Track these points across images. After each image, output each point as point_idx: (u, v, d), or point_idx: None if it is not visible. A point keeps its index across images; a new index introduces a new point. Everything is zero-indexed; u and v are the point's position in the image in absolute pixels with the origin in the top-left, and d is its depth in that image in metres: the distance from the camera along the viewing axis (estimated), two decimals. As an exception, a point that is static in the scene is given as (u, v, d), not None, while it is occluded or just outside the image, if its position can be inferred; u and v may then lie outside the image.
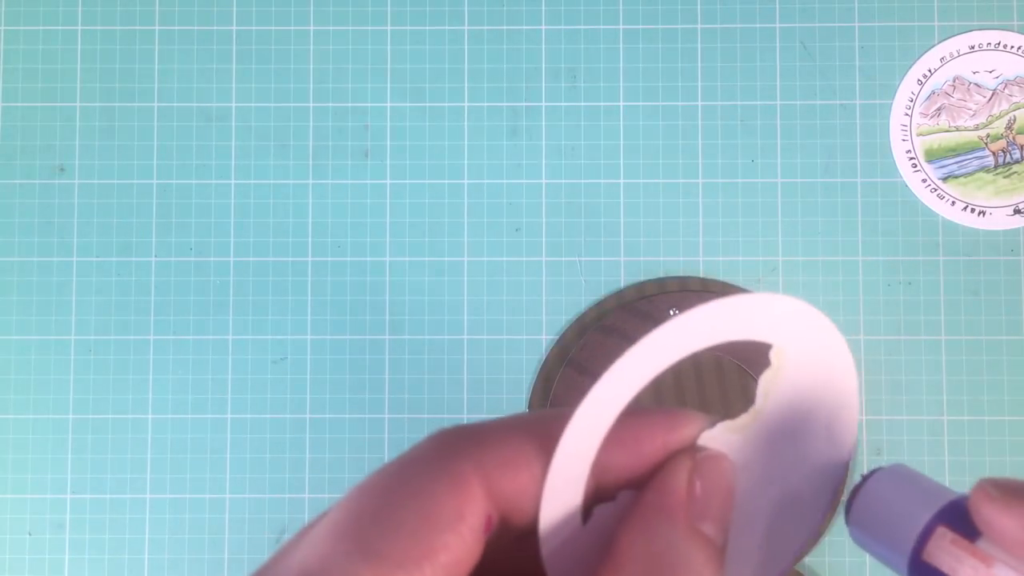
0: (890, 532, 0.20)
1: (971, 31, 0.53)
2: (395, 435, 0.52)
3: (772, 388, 0.21)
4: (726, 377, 0.51)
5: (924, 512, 0.20)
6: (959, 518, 0.19)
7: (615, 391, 0.19)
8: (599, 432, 0.19)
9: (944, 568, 0.19)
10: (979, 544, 0.19)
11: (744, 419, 0.21)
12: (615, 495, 0.20)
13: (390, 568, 0.18)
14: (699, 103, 0.53)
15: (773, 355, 0.21)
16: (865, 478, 0.21)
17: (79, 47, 0.54)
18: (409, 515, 0.19)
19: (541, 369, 0.51)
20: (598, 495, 0.20)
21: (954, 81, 0.52)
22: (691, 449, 0.20)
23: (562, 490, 0.19)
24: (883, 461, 0.51)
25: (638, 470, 0.20)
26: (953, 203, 0.52)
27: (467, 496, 0.19)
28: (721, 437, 0.20)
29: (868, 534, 0.21)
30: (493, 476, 0.19)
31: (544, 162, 0.53)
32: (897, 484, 0.21)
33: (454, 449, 0.20)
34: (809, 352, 0.21)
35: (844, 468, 0.22)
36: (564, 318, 0.52)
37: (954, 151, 0.52)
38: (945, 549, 0.19)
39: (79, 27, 0.54)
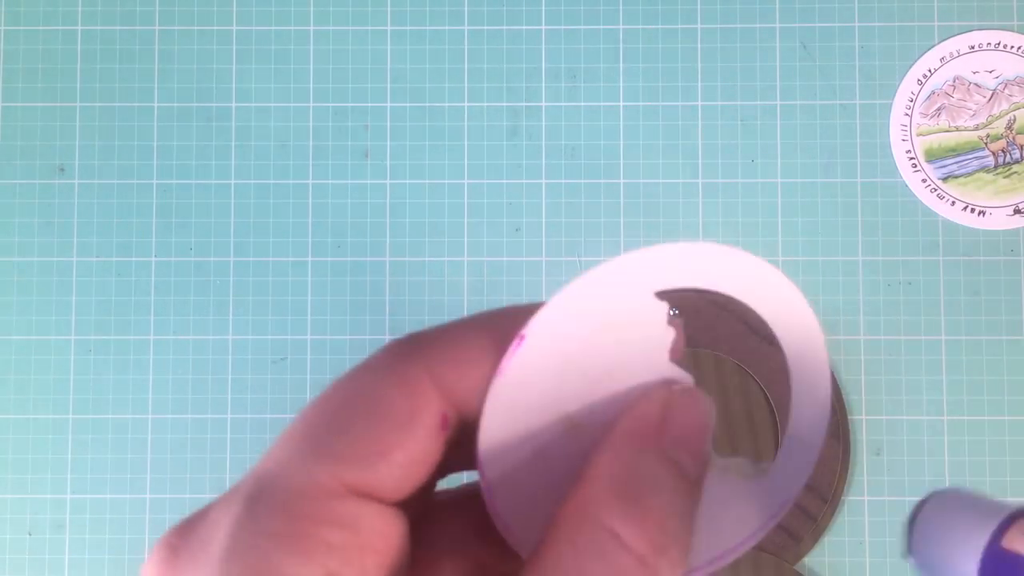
0: (961, 535, 0.20)
1: (971, 31, 0.53)
2: (395, 435, 0.52)
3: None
4: (726, 377, 0.51)
5: (997, 514, 0.20)
6: None
7: (568, 312, 0.19)
8: (551, 352, 0.19)
9: None
10: None
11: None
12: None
13: (344, 467, 0.19)
14: (699, 103, 0.53)
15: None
16: (922, 501, 0.21)
17: (79, 47, 0.54)
18: (361, 418, 0.19)
19: (541, 369, 0.51)
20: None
21: (954, 81, 0.52)
22: (667, 382, 0.20)
23: (509, 406, 0.19)
24: (883, 461, 0.51)
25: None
26: (953, 203, 0.52)
27: (418, 396, 0.19)
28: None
29: (932, 544, 0.21)
30: (443, 375, 0.20)
31: (544, 162, 0.53)
32: (958, 500, 0.21)
33: (405, 353, 0.20)
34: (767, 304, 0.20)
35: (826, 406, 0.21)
36: (564, 318, 0.52)
37: (954, 151, 0.52)
38: None
39: (79, 27, 0.54)
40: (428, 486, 0.21)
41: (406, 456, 0.19)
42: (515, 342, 0.19)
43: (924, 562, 0.21)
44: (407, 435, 0.19)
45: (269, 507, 0.18)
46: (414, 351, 0.20)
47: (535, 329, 0.19)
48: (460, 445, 0.20)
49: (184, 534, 0.19)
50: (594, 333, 0.20)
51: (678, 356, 0.20)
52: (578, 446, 0.20)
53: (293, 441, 0.19)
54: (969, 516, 0.20)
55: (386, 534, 0.19)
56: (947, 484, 0.50)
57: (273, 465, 0.19)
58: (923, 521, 0.21)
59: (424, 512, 0.21)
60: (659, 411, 0.20)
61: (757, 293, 0.20)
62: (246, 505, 0.18)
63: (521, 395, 0.19)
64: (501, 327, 0.20)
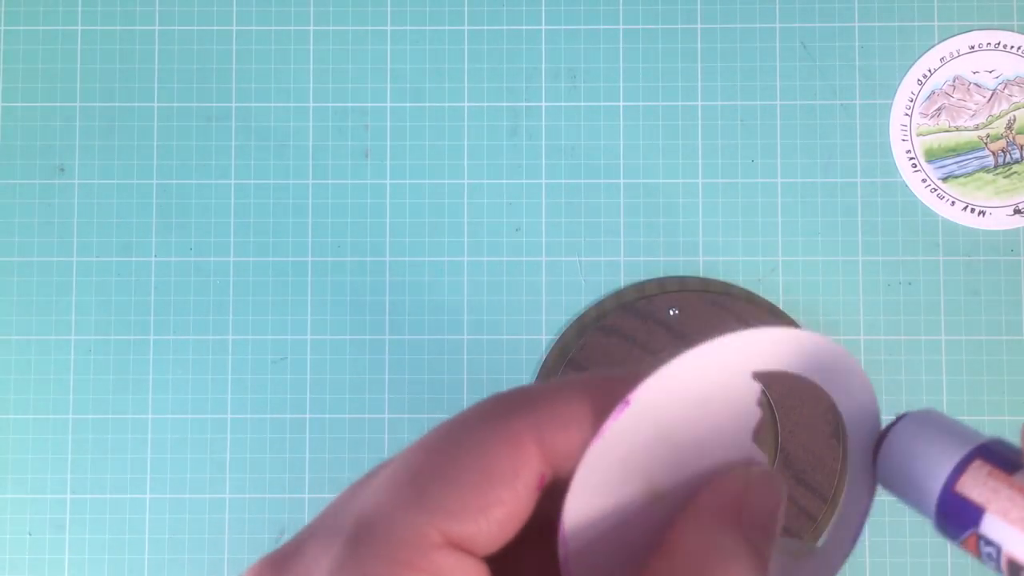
0: (921, 470, 0.20)
1: (971, 31, 0.53)
2: (395, 435, 0.52)
3: None
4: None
5: (961, 447, 0.20)
6: (997, 453, 0.19)
7: (673, 385, 0.19)
8: (649, 423, 0.20)
9: (978, 499, 0.19)
10: (1017, 477, 0.19)
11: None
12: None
13: (445, 519, 0.19)
14: (699, 103, 0.53)
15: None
16: (895, 420, 0.21)
17: (79, 47, 0.54)
18: (465, 470, 0.19)
19: (541, 369, 0.51)
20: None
21: (954, 81, 0.52)
22: (748, 462, 0.21)
23: (599, 472, 0.20)
24: (883, 461, 0.51)
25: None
26: (953, 203, 0.52)
27: (521, 453, 0.20)
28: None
29: (897, 474, 0.21)
30: (546, 434, 0.20)
31: (544, 162, 0.53)
32: (930, 424, 0.21)
33: (509, 408, 0.20)
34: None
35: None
36: (564, 318, 0.52)
37: (954, 151, 0.52)
38: (981, 481, 0.19)
39: (79, 27, 0.54)
40: (514, 542, 0.21)
41: (505, 513, 0.19)
42: (619, 407, 0.19)
43: (889, 486, 0.21)
44: (509, 492, 0.19)
45: (372, 552, 0.18)
46: (518, 406, 0.20)
47: (638, 397, 0.19)
48: (548, 503, 0.21)
49: (278, 568, 0.19)
50: (688, 408, 0.20)
51: (759, 434, 0.21)
52: (659, 518, 0.20)
53: (396, 486, 0.19)
54: (934, 447, 0.20)
55: None
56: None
57: (375, 509, 0.19)
58: (892, 443, 0.21)
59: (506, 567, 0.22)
60: (740, 490, 0.20)
61: (837, 383, 0.21)
62: (348, 547, 0.19)
63: (613, 462, 0.20)
64: (603, 391, 0.20)
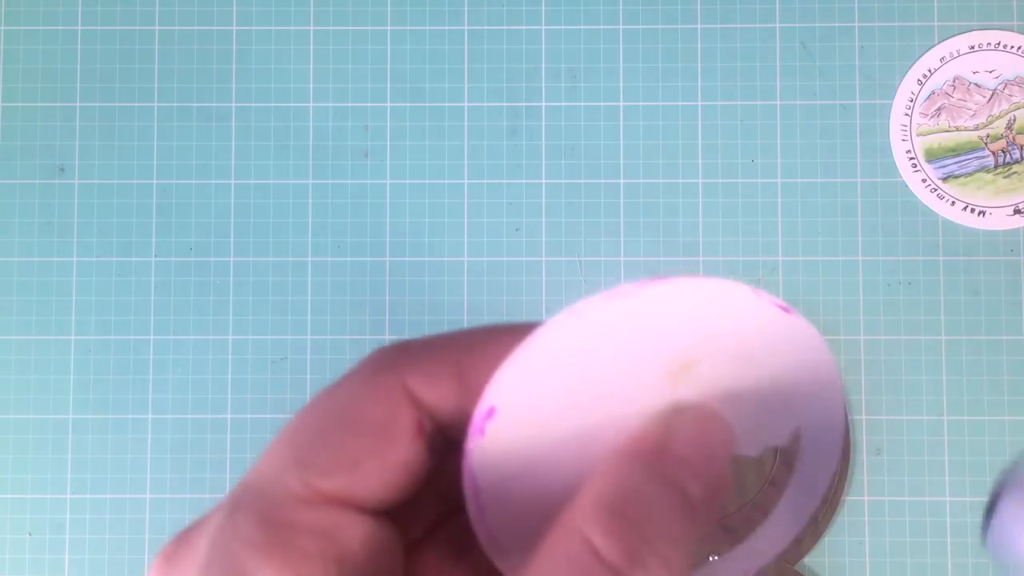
0: None
1: (971, 31, 0.53)
2: (395, 435, 0.51)
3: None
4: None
5: None
6: None
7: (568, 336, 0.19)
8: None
9: None
10: None
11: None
12: None
13: (316, 475, 0.19)
14: (699, 103, 0.53)
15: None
16: (997, 493, 0.20)
17: (79, 47, 0.54)
18: (336, 428, 0.19)
19: (541, 369, 0.51)
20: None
21: (954, 81, 0.52)
22: (677, 406, 0.20)
23: (507, 420, 0.19)
24: (883, 461, 0.51)
25: None
26: (953, 203, 0.52)
27: (391, 404, 0.20)
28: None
29: (1011, 551, 0.20)
30: (414, 386, 0.20)
31: (544, 162, 0.53)
32: None
33: (381, 363, 0.20)
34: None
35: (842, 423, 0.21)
36: (564, 318, 0.52)
37: (954, 151, 0.52)
38: None
39: (79, 27, 0.54)
40: (422, 496, 0.21)
41: (380, 464, 0.19)
42: (517, 351, 0.19)
43: (1002, 556, 0.20)
44: (381, 444, 0.19)
45: (246, 515, 0.19)
46: (390, 361, 0.20)
47: (540, 340, 0.19)
48: (453, 456, 0.20)
49: (179, 543, 0.19)
50: (608, 351, 0.19)
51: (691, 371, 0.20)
52: (573, 461, 0.19)
53: (276, 452, 0.20)
54: None
55: (368, 543, 0.19)
56: (946, 483, 0.50)
57: (256, 475, 0.19)
58: (1006, 511, 0.20)
59: (431, 522, 0.21)
60: (660, 432, 0.19)
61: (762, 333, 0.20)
62: (227, 513, 0.19)
63: (521, 410, 0.19)
64: (482, 339, 0.20)
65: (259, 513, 0.19)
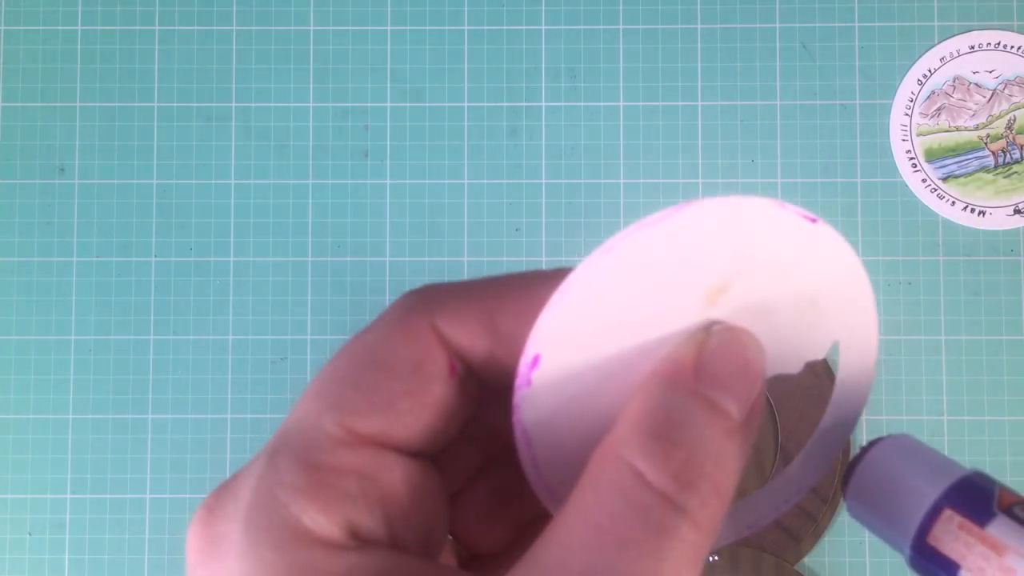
0: (892, 510, 0.19)
1: (971, 31, 0.53)
2: (395, 435, 0.52)
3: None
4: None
5: (931, 490, 0.18)
6: (969, 498, 0.18)
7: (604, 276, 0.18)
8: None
9: (951, 554, 0.18)
10: (989, 530, 0.18)
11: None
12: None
13: (352, 417, 0.19)
14: (699, 103, 0.53)
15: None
16: (866, 448, 0.20)
17: (79, 47, 0.54)
18: (369, 369, 0.20)
19: (541, 369, 0.51)
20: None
21: (954, 81, 0.52)
22: (707, 325, 0.19)
23: (551, 356, 0.19)
24: (883, 461, 0.51)
25: None
26: (953, 203, 0.52)
27: (422, 345, 0.20)
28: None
29: (868, 510, 0.20)
30: (445, 328, 0.20)
31: (544, 162, 0.53)
32: (901, 457, 0.19)
33: (411, 306, 0.20)
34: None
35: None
36: (564, 318, 0.52)
37: (954, 151, 0.52)
38: (952, 534, 0.18)
39: (79, 27, 0.54)
40: (459, 446, 0.21)
41: (415, 404, 0.19)
42: (556, 294, 0.18)
43: (859, 512, 0.20)
44: (413, 384, 0.19)
45: (286, 460, 0.19)
46: (420, 303, 0.20)
47: (576, 283, 0.18)
48: (488, 405, 0.21)
49: (220, 494, 0.19)
50: (644, 283, 0.19)
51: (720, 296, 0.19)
52: (616, 396, 0.19)
53: (311, 397, 0.20)
54: (906, 489, 0.19)
55: (409, 484, 0.19)
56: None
57: (293, 421, 0.19)
58: (866, 466, 0.20)
59: (470, 474, 0.22)
60: (694, 352, 0.19)
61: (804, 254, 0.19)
62: (267, 460, 0.19)
63: (564, 355, 0.19)
64: (522, 287, 0.20)
65: (299, 457, 0.19)
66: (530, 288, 0.20)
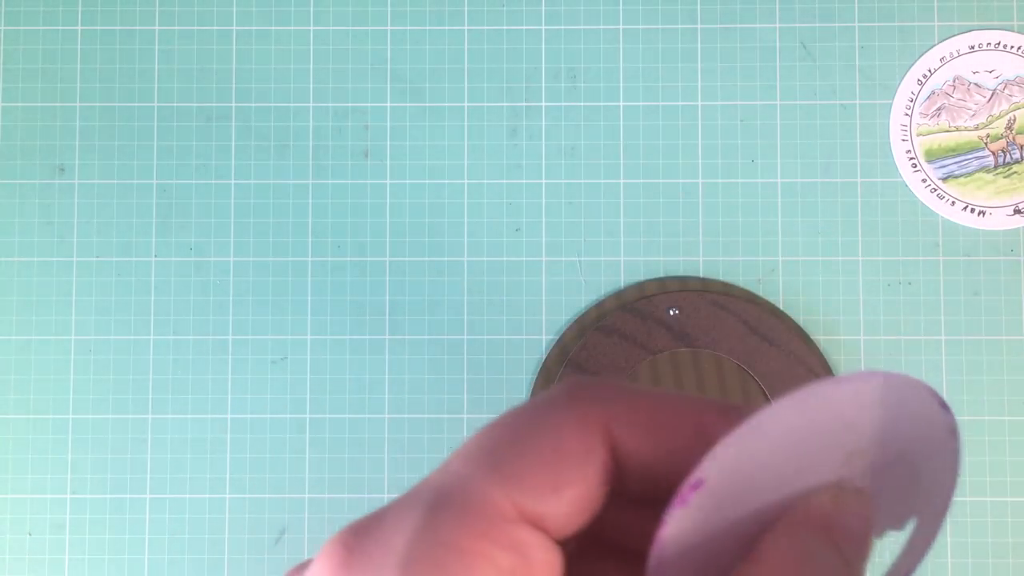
0: None
1: (971, 31, 0.53)
2: (395, 435, 0.52)
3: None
4: (726, 377, 0.51)
5: None
6: None
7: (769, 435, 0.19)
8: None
9: None
10: None
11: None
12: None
13: (520, 493, 0.19)
14: (699, 103, 0.53)
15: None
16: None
17: (79, 47, 0.54)
18: (539, 447, 0.19)
19: (541, 369, 0.51)
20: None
21: (954, 81, 0.52)
22: (838, 482, 0.21)
23: (706, 494, 0.20)
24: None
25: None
26: (953, 203, 0.52)
27: (593, 437, 0.20)
28: None
29: None
30: (616, 428, 0.20)
31: (544, 162, 0.53)
32: None
33: (583, 394, 0.20)
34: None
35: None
36: (564, 318, 0.52)
37: (954, 151, 0.52)
38: None
39: (79, 27, 0.54)
40: (586, 532, 0.21)
41: (578, 494, 0.19)
42: (742, 426, 0.19)
43: None
44: (581, 472, 0.20)
45: (449, 519, 0.19)
46: (593, 394, 0.20)
47: (758, 423, 0.19)
48: (619, 505, 0.21)
49: (359, 535, 0.19)
50: (804, 439, 0.20)
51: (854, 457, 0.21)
52: (747, 535, 0.20)
53: (473, 459, 0.19)
54: None
55: (551, 568, 0.19)
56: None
57: (454, 478, 0.19)
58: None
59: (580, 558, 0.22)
60: (831, 503, 0.20)
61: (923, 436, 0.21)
62: (426, 513, 0.19)
63: (723, 487, 0.20)
64: (697, 411, 0.21)
65: (463, 520, 0.19)
66: (705, 415, 0.20)
